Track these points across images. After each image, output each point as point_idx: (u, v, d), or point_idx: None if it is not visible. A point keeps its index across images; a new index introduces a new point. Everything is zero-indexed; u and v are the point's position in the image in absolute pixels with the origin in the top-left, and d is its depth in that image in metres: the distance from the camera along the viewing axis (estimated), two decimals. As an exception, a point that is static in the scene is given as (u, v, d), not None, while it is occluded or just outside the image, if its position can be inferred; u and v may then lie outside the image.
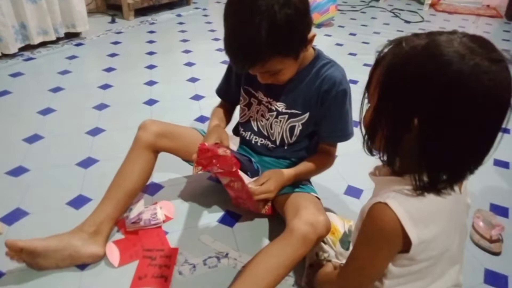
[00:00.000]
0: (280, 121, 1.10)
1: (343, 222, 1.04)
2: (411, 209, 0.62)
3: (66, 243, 0.98)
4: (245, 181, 1.01)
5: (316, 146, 1.15)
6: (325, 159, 1.14)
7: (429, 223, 0.64)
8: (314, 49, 1.06)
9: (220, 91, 1.23)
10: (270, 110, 1.11)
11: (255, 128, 1.16)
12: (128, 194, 1.09)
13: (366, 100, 0.68)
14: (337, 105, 1.04)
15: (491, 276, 1.05)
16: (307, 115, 1.07)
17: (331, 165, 1.16)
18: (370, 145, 0.66)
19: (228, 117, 1.24)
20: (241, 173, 1.01)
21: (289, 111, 1.08)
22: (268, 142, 1.15)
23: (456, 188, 0.64)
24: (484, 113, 0.55)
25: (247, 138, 1.19)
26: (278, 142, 1.13)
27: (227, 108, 1.25)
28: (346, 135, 1.09)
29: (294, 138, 1.12)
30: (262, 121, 1.14)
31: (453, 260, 0.72)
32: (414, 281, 0.70)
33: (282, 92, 1.07)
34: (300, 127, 1.09)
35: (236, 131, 1.27)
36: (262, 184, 1.02)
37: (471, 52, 0.54)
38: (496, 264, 1.09)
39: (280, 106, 1.09)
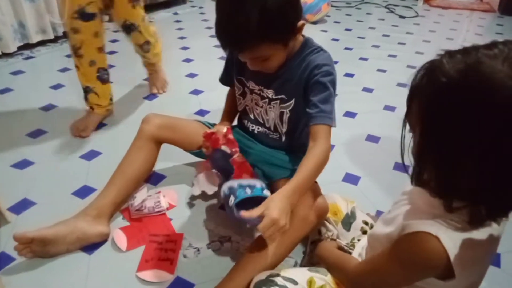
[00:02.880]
0: (273, 106, 1.12)
1: (347, 203, 1.05)
2: (461, 244, 0.58)
3: (73, 227, 1.01)
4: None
5: (307, 134, 1.16)
6: (318, 150, 0.98)
7: (474, 260, 0.61)
8: (303, 36, 1.06)
9: (222, 80, 1.25)
10: (262, 98, 1.13)
11: (252, 117, 1.19)
12: (131, 181, 1.13)
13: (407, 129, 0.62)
14: (322, 89, 1.00)
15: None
16: (293, 101, 1.08)
17: (328, 154, 1.01)
18: (419, 176, 0.60)
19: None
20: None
21: (279, 96, 1.09)
22: (265, 129, 1.17)
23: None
24: None
25: (246, 125, 1.22)
26: (273, 128, 1.15)
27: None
28: (330, 118, 1.01)
29: (285, 126, 1.13)
30: (257, 109, 1.16)
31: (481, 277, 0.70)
32: None
33: (271, 79, 1.08)
34: (288, 114, 1.10)
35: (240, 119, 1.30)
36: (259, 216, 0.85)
37: None
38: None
39: (270, 93, 1.10)
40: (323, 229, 1.00)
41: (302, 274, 0.83)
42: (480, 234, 0.59)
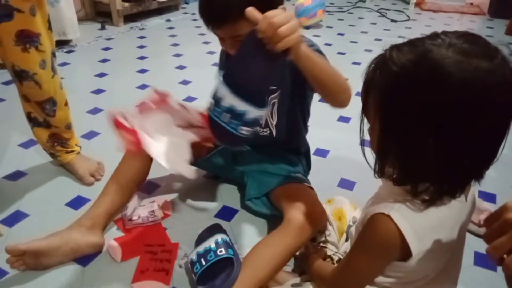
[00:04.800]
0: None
1: (354, 210, 1.04)
2: (415, 222, 0.60)
3: (66, 238, 1.00)
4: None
5: (297, 127, 1.16)
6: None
7: (432, 234, 0.63)
8: None
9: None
10: None
11: None
12: (125, 190, 1.12)
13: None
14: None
15: (480, 258, 1.10)
16: (279, 92, 1.07)
17: (350, 90, 0.92)
18: (382, 168, 0.63)
19: None
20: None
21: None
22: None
23: (462, 196, 0.63)
24: (497, 112, 0.52)
25: None
26: (263, 124, 1.13)
27: None
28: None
29: (275, 118, 1.12)
30: None
31: (453, 264, 0.73)
32: (407, 283, 0.70)
33: None
34: (276, 105, 1.10)
35: None
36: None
37: (466, 56, 0.51)
38: (484, 247, 1.12)
39: None
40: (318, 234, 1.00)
41: None
42: (437, 211, 0.61)
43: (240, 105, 0.79)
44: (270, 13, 0.70)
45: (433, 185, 0.59)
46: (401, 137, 0.57)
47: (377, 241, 0.63)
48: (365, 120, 0.65)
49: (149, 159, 1.18)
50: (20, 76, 1.15)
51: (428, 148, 0.54)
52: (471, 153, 0.55)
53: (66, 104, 1.30)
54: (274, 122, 1.13)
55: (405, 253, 0.62)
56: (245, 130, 0.82)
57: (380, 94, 0.58)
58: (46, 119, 1.27)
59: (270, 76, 0.83)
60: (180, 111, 1.00)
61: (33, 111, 1.25)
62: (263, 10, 0.73)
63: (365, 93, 0.61)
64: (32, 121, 1.28)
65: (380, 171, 0.63)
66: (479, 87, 0.51)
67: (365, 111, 0.63)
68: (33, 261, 0.97)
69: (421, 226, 0.61)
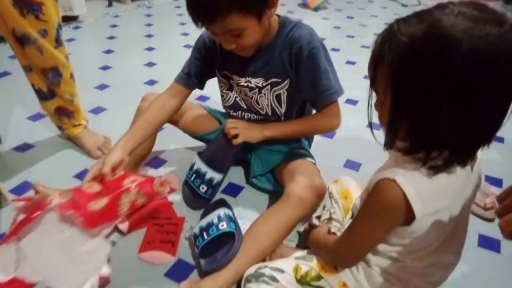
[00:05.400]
0: (265, 94, 1.10)
1: (360, 190, 1.02)
2: (419, 186, 0.62)
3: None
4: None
5: (306, 113, 1.18)
6: (323, 118, 1.09)
7: (435, 199, 0.64)
8: (279, 16, 1.04)
9: (189, 74, 1.13)
10: (251, 89, 1.11)
11: (244, 106, 1.18)
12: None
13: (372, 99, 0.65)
14: (313, 65, 1.01)
15: (484, 240, 1.10)
16: (287, 81, 1.07)
17: (335, 125, 1.10)
18: (392, 141, 0.63)
19: (169, 113, 1.12)
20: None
21: (269, 81, 1.08)
22: (261, 116, 1.16)
23: (468, 167, 0.64)
24: (507, 76, 0.53)
25: (239, 117, 1.20)
26: (270, 113, 1.14)
27: (181, 96, 1.14)
28: (333, 93, 1.04)
29: (284, 106, 1.11)
30: (247, 100, 1.15)
31: (456, 236, 0.73)
32: (411, 251, 0.71)
33: (256, 68, 1.07)
34: (286, 93, 1.09)
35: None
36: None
37: (475, 23, 0.52)
38: (489, 230, 1.13)
39: (259, 81, 1.08)
40: (328, 204, 1.01)
41: (288, 263, 0.84)
42: (442, 178, 0.62)
43: (203, 168, 1.13)
44: (230, 122, 1.10)
45: (446, 151, 0.59)
46: (415, 107, 0.57)
47: (381, 204, 0.64)
48: (372, 104, 0.66)
49: (153, 133, 1.18)
50: (21, 41, 1.14)
51: (442, 115, 0.55)
52: (483, 117, 0.56)
53: (71, 77, 1.30)
54: (283, 110, 1.13)
55: (409, 217, 0.63)
56: (202, 187, 1.13)
57: (392, 66, 0.57)
58: (50, 89, 1.26)
59: (228, 157, 1.13)
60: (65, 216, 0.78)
61: (36, 82, 1.25)
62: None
63: (374, 67, 0.61)
64: (38, 93, 1.28)
65: (390, 144, 0.63)
66: (491, 52, 0.51)
67: (374, 85, 0.63)
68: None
69: (425, 190, 0.62)
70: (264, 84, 1.09)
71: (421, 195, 0.61)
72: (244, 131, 1.07)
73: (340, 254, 0.78)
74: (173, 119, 1.20)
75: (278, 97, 1.10)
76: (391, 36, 0.57)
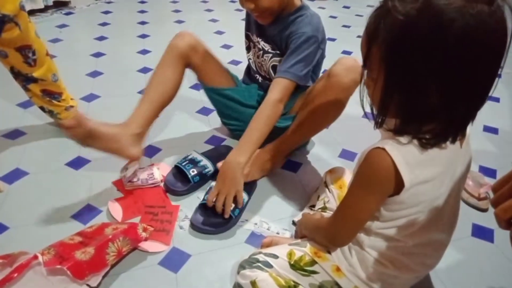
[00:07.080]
0: (265, 59, 1.19)
1: None
2: (408, 155, 0.63)
3: (119, 138, 1.03)
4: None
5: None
6: (263, 106, 1.05)
7: (424, 169, 0.65)
8: (301, 1, 1.14)
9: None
10: (259, 49, 1.20)
11: (254, 68, 1.27)
12: (163, 98, 1.13)
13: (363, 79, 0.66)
14: (296, 45, 1.08)
15: (478, 230, 1.11)
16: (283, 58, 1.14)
17: (273, 105, 1.05)
18: (383, 119, 0.65)
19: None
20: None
21: (272, 51, 1.17)
22: (267, 81, 1.23)
23: (457, 143, 0.66)
24: (494, 54, 0.56)
25: (253, 76, 1.30)
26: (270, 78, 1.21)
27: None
28: (296, 76, 1.07)
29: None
30: (258, 61, 1.24)
31: (445, 213, 0.73)
32: (402, 227, 0.71)
33: (268, 34, 1.17)
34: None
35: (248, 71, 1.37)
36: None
37: (467, 1, 0.53)
38: (483, 220, 1.14)
39: (266, 46, 1.18)
40: (323, 194, 1.00)
41: (282, 249, 0.84)
42: (430, 150, 0.64)
43: (199, 157, 1.18)
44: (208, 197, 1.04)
45: (436, 126, 0.62)
46: (408, 84, 0.58)
47: (372, 172, 0.66)
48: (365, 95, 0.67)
49: (182, 72, 1.18)
50: (2, 21, 1.06)
51: (433, 90, 0.57)
52: (470, 94, 0.58)
53: (47, 54, 1.22)
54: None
55: (399, 186, 0.65)
56: (193, 171, 1.14)
57: (386, 44, 0.58)
58: (30, 69, 1.17)
59: None
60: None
61: (14, 63, 1.15)
62: None
63: (368, 45, 0.62)
64: (18, 77, 1.19)
65: (380, 122, 0.65)
66: (483, 29, 0.53)
67: (366, 63, 0.64)
68: (83, 137, 1.00)
69: (413, 158, 0.63)
70: (269, 50, 1.18)
71: (409, 162, 0.63)
72: (223, 190, 1.00)
73: (333, 231, 0.77)
74: (198, 64, 1.20)
75: (273, 68, 1.18)
76: (386, 13, 0.58)
